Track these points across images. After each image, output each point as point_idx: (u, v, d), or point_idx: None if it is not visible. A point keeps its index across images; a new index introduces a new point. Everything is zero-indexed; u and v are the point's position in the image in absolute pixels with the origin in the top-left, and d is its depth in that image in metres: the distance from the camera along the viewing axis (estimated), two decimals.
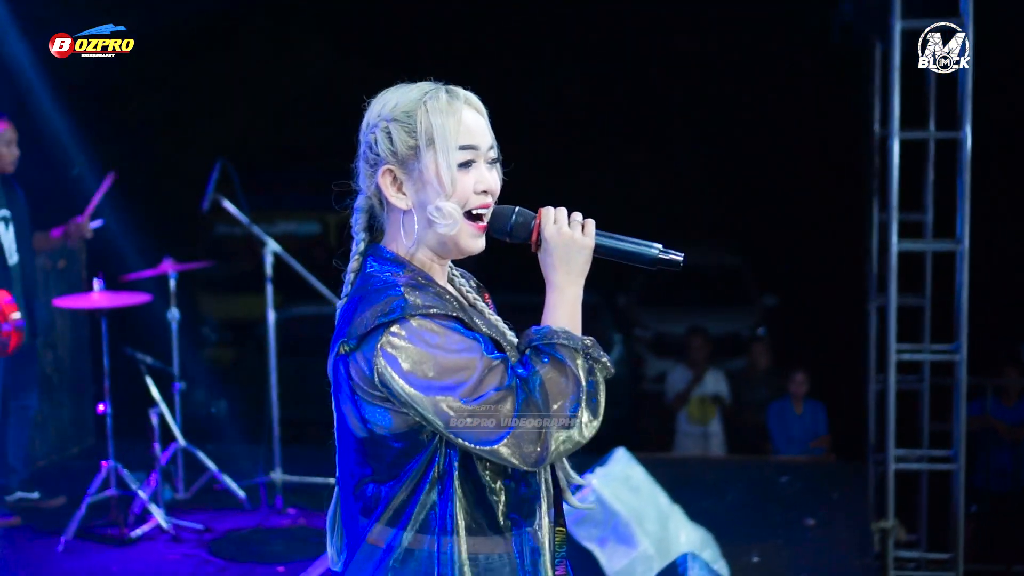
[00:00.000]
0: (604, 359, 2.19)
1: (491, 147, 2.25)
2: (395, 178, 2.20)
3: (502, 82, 13.07)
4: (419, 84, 2.25)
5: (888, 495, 6.87)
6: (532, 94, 13.28)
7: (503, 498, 2.21)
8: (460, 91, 2.24)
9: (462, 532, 2.17)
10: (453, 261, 2.36)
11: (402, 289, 2.13)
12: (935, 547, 7.21)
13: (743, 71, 13.56)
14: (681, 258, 2.27)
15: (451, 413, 2.07)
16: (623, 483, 5.30)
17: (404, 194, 2.20)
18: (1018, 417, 8.47)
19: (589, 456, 6.44)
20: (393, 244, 2.25)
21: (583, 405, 2.12)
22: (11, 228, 6.09)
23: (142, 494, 5.90)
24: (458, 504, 2.17)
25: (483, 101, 2.28)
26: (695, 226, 14.69)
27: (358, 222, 2.28)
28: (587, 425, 2.14)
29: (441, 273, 2.30)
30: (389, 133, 2.19)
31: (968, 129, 6.63)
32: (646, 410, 10.69)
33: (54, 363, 7.29)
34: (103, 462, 5.88)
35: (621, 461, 5.50)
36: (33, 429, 6.77)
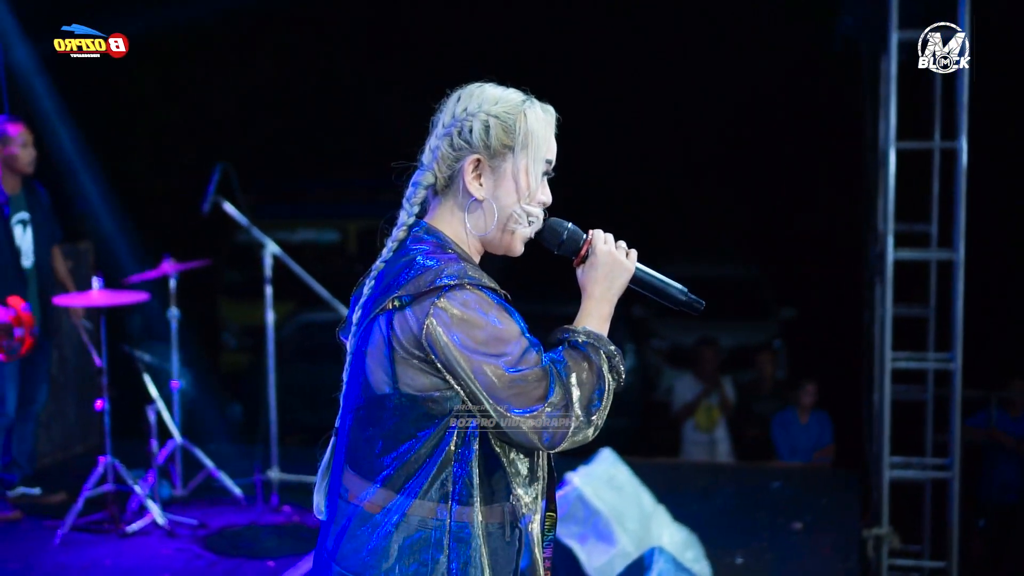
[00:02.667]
0: (622, 370, 2.34)
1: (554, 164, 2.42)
2: (478, 167, 2.33)
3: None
4: (510, 89, 2.40)
5: (883, 502, 6.89)
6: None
7: (511, 475, 2.31)
8: (551, 108, 2.42)
9: (475, 503, 2.27)
10: None
11: (457, 258, 2.27)
12: (938, 558, 7.22)
13: (755, 83, 13.58)
14: (703, 304, 2.47)
15: (492, 378, 2.19)
16: (606, 482, 5.36)
17: (481, 185, 2.34)
18: (1018, 428, 8.44)
19: (576, 456, 6.52)
20: (442, 224, 2.37)
21: (603, 403, 2.27)
22: (28, 231, 6.24)
23: (138, 489, 6.01)
24: (476, 474, 2.26)
25: None
26: (714, 238, 14.71)
27: (415, 195, 2.39)
28: (598, 423, 2.27)
29: (477, 263, 2.41)
30: (488, 126, 2.32)
31: (964, 139, 6.65)
32: (656, 420, 10.71)
33: (59, 363, 7.41)
34: (100, 458, 6.00)
35: (606, 461, 5.56)
36: (39, 427, 6.90)
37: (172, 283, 6.41)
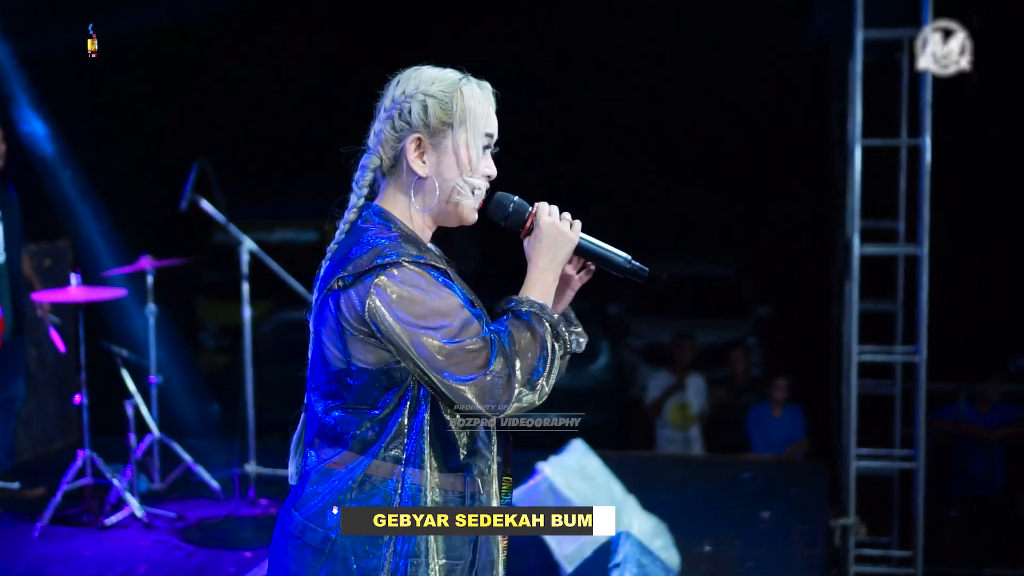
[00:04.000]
0: (567, 338, 2.45)
1: (497, 139, 2.53)
2: (419, 146, 2.44)
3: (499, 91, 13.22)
4: (447, 69, 2.51)
5: (850, 493, 7.02)
6: (526, 108, 13.45)
7: (463, 439, 2.43)
8: (487, 84, 2.52)
9: (427, 466, 2.38)
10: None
11: (399, 239, 2.38)
12: (907, 548, 7.34)
13: (730, 82, 13.69)
14: (647, 270, 2.55)
15: (431, 350, 2.28)
16: (577, 472, 5.46)
17: (424, 162, 2.44)
18: (991, 424, 8.57)
19: (547, 447, 6.62)
20: (389, 205, 2.48)
21: (546, 369, 2.36)
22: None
23: (116, 483, 6.09)
24: (426, 439, 2.38)
25: None
26: (690, 236, 14.81)
27: (363, 178, 2.50)
28: (544, 390, 2.37)
29: (427, 239, 2.53)
30: (426, 105, 2.43)
31: (928, 137, 6.78)
32: (632, 416, 10.82)
33: (38, 360, 7.48)
34: (79, 452, 6.08)
35: (577, 451, 5.66)
36: (19, 423, 6.95)
37: (149, 279, 6.49)
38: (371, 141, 2.51)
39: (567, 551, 5.11)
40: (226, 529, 6.07)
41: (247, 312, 6.65)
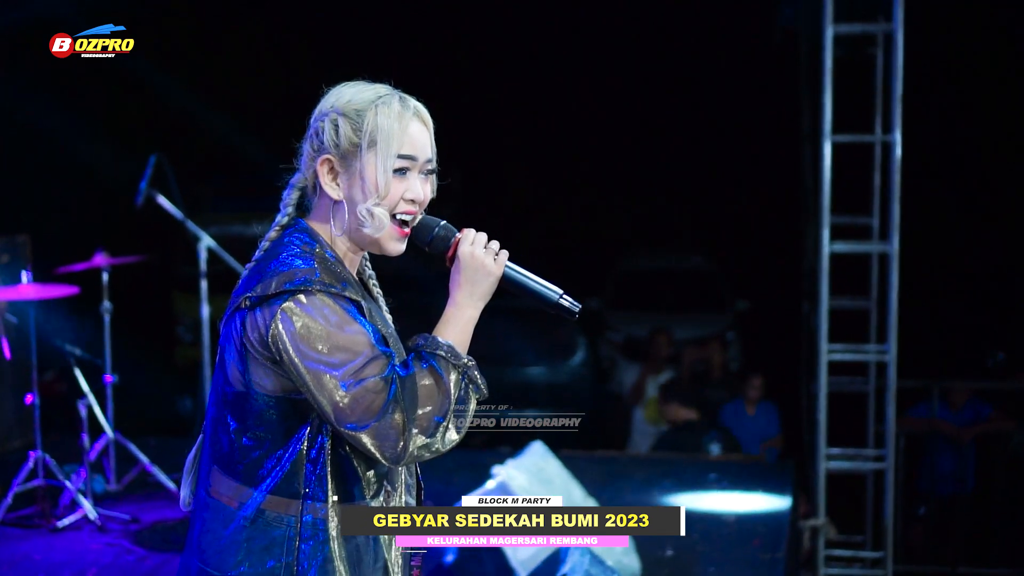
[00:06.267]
0: (480, 382, 2.29)
1: (429, 160, 2.36)
2: (332, 168, 2.31)
3: (474, 93, 13.19)
4: (376, 85, 2.37)
5: (819, 494, 6.95)
6: (505, 105, 13.37)
7: (366, 481, 2.30)
8: (412, 101, 2.36)
9: (329, 500, 2.26)
10: (371, 257, 2.49)
11: (314, 263, 2.24)
12: (879, 548, 7.28)
13: (707, 78, 13.63)
14: (578, 309, 2.40)
15: (329, 389, 2.16)
16: (535, 475, 5.37)
17: (338, 185, 2.32)
18: (963, 422, 8.51)
19: (506, 450, 6.53)
20: (316, 225, 2.36)
21: (448, 417, 2.22)
22: None
23: (69, 484, 5.97)
24: (328, 471, 2.26)
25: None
26: (668, 230, 14.76)
27: (289, 196, 2.40)
28: (448, 437, 2.23)
29: (353, 263, 2.40)
30: (337, 126, 2.30)
31: (898, 133, 6.73)
32: (608, 412, 10.74)
33: None
34: (31, 452, 5.96)
35: (536, 454, 5.57)
36: None
37: (104, 276, 6.38)
38: (301, 161, 2.40)
39: (522, 556, 5.02)
40: (181, 532, 5.94)
41: (205, 310, 6.55)
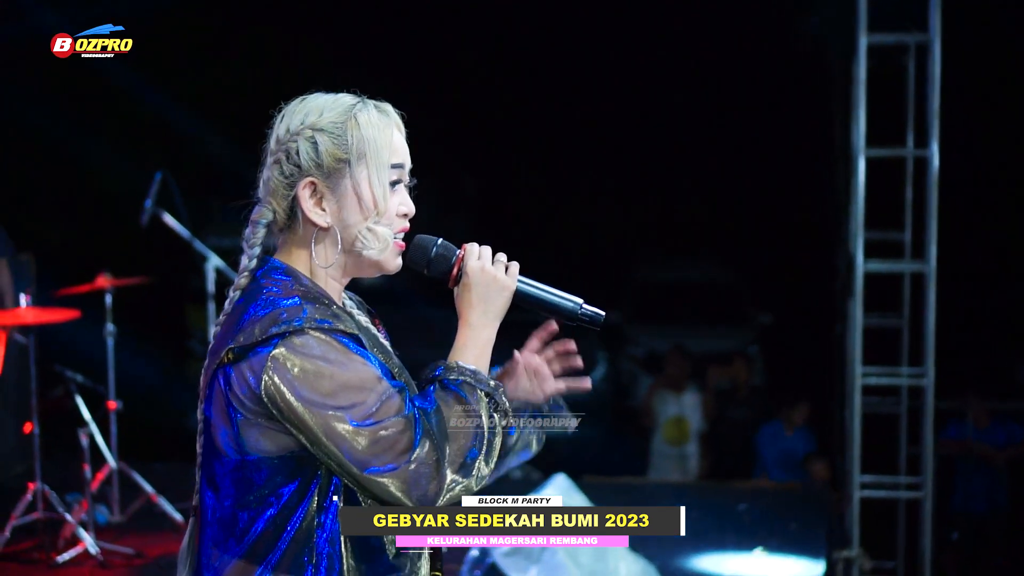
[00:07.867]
0: (507, 406, 2.06)
1: (411, 167, 2.13)
2: (315, 191, 2.05)
3: (487, 99, 12.99)
4: (340, 95, 2.11)
5: (853, 524, 6.67)
6: (523, 114, 13.16)
7: (387, 540, 2.04)
8: (388, 106, 2.12)
9: (346, 563, 2.00)
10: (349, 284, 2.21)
11: (300, 299, 1.98)
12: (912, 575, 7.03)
13: (733, 85, 13.39)
14: (602, 315, 2.18)
15: (344, 436, 1.91)
16: None
17: (324, 210, 2.05)
18: (995, 442, 8.25)
19: (530, 481, 6.27)
20: (288, 258, 2.09)
21: (481, 449, 1.99)
22: None
23: (69, 518, 5.73)
24: (342, 539, 1.99)
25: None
26: (689, 242, 14.52)
27: (254, 235, 2.10)
28: (481, 473, 2.00)
29: (337, 294, 2.13)
30: (315, 143, 2.04)
31: (935, 146, 6.47)
32: (628, 429, 10.48)
33: None
34: (30, 484, 5.73)
35: (559, 488, 5.31)
36: None
37: (108, 299, 6.15)
38: (261, 192, 2.11)
39: None
40: None
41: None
